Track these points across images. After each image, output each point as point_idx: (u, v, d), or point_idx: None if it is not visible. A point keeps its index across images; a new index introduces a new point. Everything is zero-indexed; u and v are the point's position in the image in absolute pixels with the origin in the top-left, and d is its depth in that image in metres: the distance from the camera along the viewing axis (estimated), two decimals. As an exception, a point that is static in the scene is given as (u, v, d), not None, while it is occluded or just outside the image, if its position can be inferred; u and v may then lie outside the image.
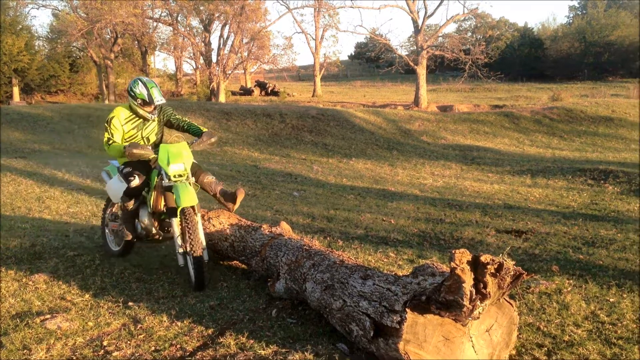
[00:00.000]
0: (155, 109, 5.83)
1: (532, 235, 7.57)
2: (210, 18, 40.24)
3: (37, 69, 43.15)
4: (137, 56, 52.07)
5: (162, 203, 5.61)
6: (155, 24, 44.53)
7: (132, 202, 5.72)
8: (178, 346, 3.98)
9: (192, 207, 5.28)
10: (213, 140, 5.80)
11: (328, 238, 7.35)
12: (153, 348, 3.95)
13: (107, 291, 5.19)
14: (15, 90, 41.97)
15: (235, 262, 6.03)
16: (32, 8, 44.65)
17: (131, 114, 5.82)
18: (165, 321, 4.42)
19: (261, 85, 50.77)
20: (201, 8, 38.86)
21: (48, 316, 4.48)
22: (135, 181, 5.59)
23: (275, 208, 9.75)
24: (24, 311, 4.64)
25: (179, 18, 43.39)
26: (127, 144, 5.55)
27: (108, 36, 44.03)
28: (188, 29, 42.53)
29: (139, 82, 5.75)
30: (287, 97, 45.35)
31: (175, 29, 42.35)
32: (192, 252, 5.06)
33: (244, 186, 11.68)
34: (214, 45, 40.70)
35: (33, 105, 29.02)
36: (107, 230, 6.51)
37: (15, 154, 15.19)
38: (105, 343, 4.03)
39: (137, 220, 5.86)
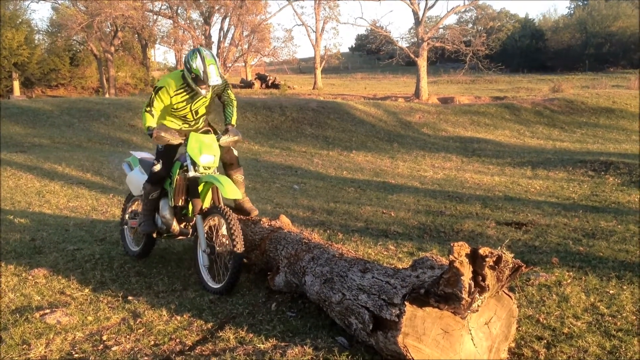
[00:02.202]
0: (209, 86, 5.30)
1: (532, 227, 7.57)
2: (210, 11, 40.18)
3: (37, 63, 43.08)
4: (138, 49, 51.95)
5: (183, 197, 5.44)
6: (155, 17, 44.47)
7: (154, 190, 5.55)
8: (177, 340, 3.98)
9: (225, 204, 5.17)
10: (236, 138, 5.44)
11: (328, 231, 7.34)
12: (152, 342, 3.95)
13: (107, 285, 5.19)
14: (16, 84, 41.92)
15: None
16: (32, 2, 44.80)
17: (183, 84, 5.35)
18: (164, 315, 4.43)
19: (261, 78, 50.64)
20: (201, 1, 38.79)
21: (47, 311, 4.48)
22: (158, 166, 5.44)
23: (276, 201, 9.74)
24: (24, 306, 4.64)
25: (179, 11, 43.32)
26: (153, 126, 5.26)
27: (108, 29, 43.93)
28: (188, 21, 42.50)
29: (198, 55, 5.19)
30: (288, 90, 45.25)
31: (175, 22, 42.28)
32: (235, 250, 4.76)
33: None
34: (214, 38, 40.76)
35: (33, 99, 28.99)
36: (126, 230, 6.33)
37: (15, 148, 15.18)
38: (104, 337, 4.03)
39: (157, 214, 5.70)
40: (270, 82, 48.84)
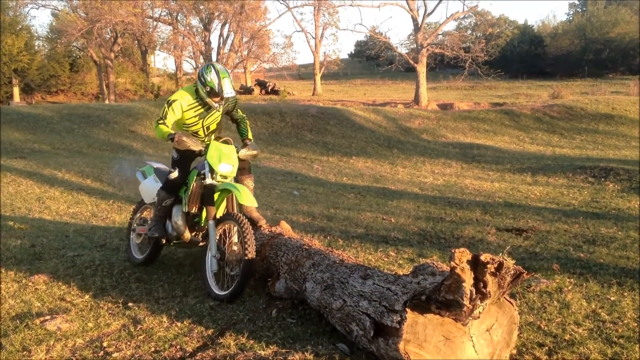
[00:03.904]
0: (222, 99, 5.41)
1: (533, 233, 7.56)
2: (210, 17, 40.27)
3: (37, 69, 43.13)
4: (137, 55, 52.02)
5: (197, 204, 5.44)
6: (155, 23, 44.55)
7: (168, 197, 5.56)
8: (178, 347, 3.97)
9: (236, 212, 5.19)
10: (255, 152, 5.59)
11: (328, 237, 7.34)
12: (153, 349, 3.94)
13: (107, 292, 5.18)
14: (16, 91, 41.96)
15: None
16: (32, 8, 44.76)
17: (196, 100, 5.44)
18: (165, 322, 4.42)
19: (261, 84, 50.66)
20: (201, 7, 38.89)
21: (48, 317, 4.47)
22: (175, 174, 5.45)
23: (276, 207, 9.74)
24: (24, 312, 4.63)
25: (178, 17, 43.40)
26: (173, 132, 5.30)
27: (108, 36, 44.01)
28: (188, 28, 42.59)
29: (212, 69, 5.35)
30: (287, 96, 45.27)
31: (175, 28, 42.37)
32: (247, 256, 4.77)
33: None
34: (214, 44, 40.77)
35: (33, 105, 29.03)
36: (132, 237, 6.28)
37: (15, 154, 15.18)
38: (105, 344, 4.02)
39: (168, 221, 5.69)
40: (269, 88, 48.86)
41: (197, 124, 5.55)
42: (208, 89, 5.31)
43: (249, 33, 40.14)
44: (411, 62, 39.32)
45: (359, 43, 75.54)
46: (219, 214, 5.35)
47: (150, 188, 5.95)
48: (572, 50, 58.62)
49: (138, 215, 6.35)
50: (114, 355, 3.85)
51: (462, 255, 3.19)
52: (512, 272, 3.24)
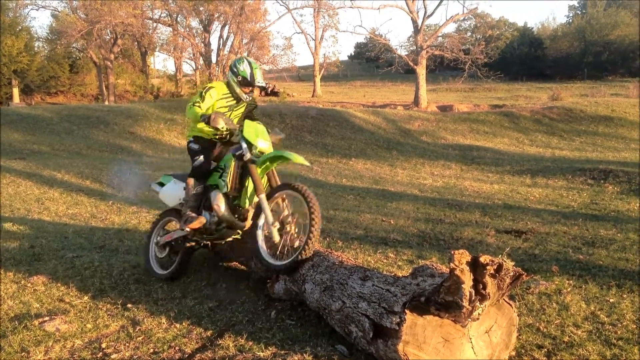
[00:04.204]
0: (252, 91, 5.63)
1: (532, 235, 7.56)
2: (209, 18, 40.27)
3: (37, 70, 43.12)
4: (137, 57, 52.02)
5: (237, 185, 5.32)
6: (154, 24, 44.54)
7: (198, 184, 5.51)
8: (177, 348, 3.97)
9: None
10: (281, 136, 5.68)
11: (327, 238, 7.33)
12: (152, 350, 3.94)
13: (106, 293, 5.17)
14: (15, 92, 41.93)
15: (234, 263, 6.01)
16: (32, 9, 44.71)
17: (228, 92, 5.60)
18: (164, 323, 4.41)
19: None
20: (201, 9, 38.88)
21: (46, 318, 4.47)
22: (201, 158, 5.47)
23: (275, 209, 9.71)
24: (23, 313, 4.63)
25: (178, 19, 43.41)
26: (210, 112, 5.33)
27: (108, 37, 43.99)
28: (188, 29, 42.57)
29: (244, 60, 5.63)
30: (287, 98, 45.29)
31: (174, 29, 42.36)
32: (314, 220, 4.70)
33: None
34: (214, 45, 40.78)
35: (33, 107, 29.02)
36: (153, 251, 5.94)
37: (15, 155, 15.18)
38: (103, 345, 4.02)
39: (204, 211, 5.51)
40: (269, 89, 48.75)
41: (227, 115, 5.58)
42: (240, 79, 5.51)
43: (248, 34, 40.14)
44: (411, 64, 39.33)
45: (358, 45, 75.58)
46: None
47: (173, 190, 5.87)
48: (572, 53, 58.63)
49: (159, 227, 6.10)
50: (113, 356, 3.85)
51: (462, 257, 3.19)
52: (512, 273, 3.24)
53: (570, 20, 70.04)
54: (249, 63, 5.59)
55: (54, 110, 21.88)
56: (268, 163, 5.12)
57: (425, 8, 39.66)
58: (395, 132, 21.73)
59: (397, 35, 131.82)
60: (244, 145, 5.19)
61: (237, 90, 5.55)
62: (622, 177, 11.85)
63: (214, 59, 41.43)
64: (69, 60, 47.74)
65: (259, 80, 5.58)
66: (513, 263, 3.25)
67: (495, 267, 3.17)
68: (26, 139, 17.57)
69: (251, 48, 41.35)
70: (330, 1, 46.27)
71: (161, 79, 56.27)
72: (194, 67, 51.08)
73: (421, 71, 38.13)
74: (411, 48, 47.64)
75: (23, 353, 3.88)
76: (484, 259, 3.17)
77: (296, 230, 5.00)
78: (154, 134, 18.96)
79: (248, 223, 5.29)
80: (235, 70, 5.54)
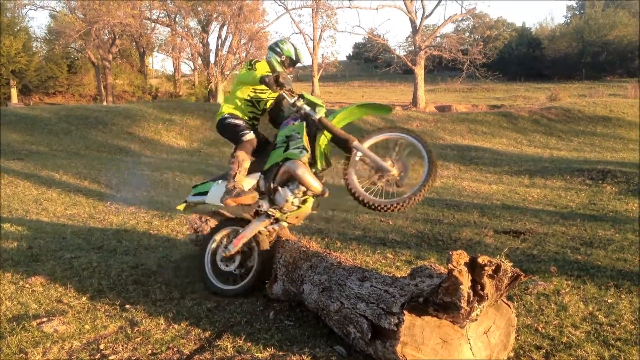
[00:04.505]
0: (292, 72, 5.60)
1: (530, 235, 7.56)
2: (208, 19, 40.26)
3: (35, 70, 43.09)
4: (135, 57, 52.05)
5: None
6: (153, 24, 44.55)
7: (248, 158, 5.25)
8: (175, 349, 3.96)
9: None
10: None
11: (326, 239, 7.34)
12: (150, 351, 3.94)
13: (104, 294, 5.17)
14: (13, 92, 41.89)
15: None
16: (30, 9, 44.62)
17: (269, 71, 5.34)
18: (162, 324, 4.41)
19: (259, 86, 50.67)
20: (199, 9, 38.88)
21: (45, 319, 4.46)
22: (250, 134, 5.29)
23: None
24: (21, 314, 4.62)
25: (176, 19, 43.40)
26: (268, 74, 5.10)
27: (106, 37, 43.97)
28: (186, 29, 42.56)
29: (287, 41, 5.63)
30: (286, 98, 45.27)
31: (173, 29, 42.35)
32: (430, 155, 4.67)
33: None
34: (212, 45, 40.72)
35: (31, 107, 28.99)
36: (209, 265, 5.49)
37: (13, 155, 15.16)
38: (102, 346, 4.01)
39: (279, 190, 5.16)
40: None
41: (265, 93, 5.49)
42: (284, 58, 5.44)
43: (247, 35, 40.13)
44: (409, 64, 39.36)
45: (357, 45, 75.62)
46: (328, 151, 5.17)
47: (218, 190, 5.49)
48: (570, 53, 58.67)
49: (219, 238, 5.61)
50: (111, 357, 3.84)
51: (460, 258, 3.19)
52: (510, 274, 3.24)
53: (569, 21, 70.10)
54: (292, 44, 5.56)
55: (52, 111, 21.86)
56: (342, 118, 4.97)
57: (423, 8, 39.65)
58: (394, 133, 21.72)
59: (396, 36, 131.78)
60: (307, 109, 5.01)
61: (279, 68, 5.26)
62: (621, 177, 11.86)
63: (212, 59, 41.41)
64: (67, 60, 47.72)
65: (304, 59, 5.49)
66: (511, 264, 3.25)
67: (493, 267, 3.17)
68: (24, 139, 17.55)
69: (249, 48, 41.34)
70: (329, 1, 46.19)
71: (159, 79, 56.30)
72: (192, 67, 51.20)
73: (419, 71, 38.17)
74: (409, 48, 47.70)
75: (21, 354, 3.87)
76: (482, 259, 3.17)
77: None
78: (152, 134, 18.96)
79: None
80: (278, 50, 5.46)
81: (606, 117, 22.67)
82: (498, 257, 3.24)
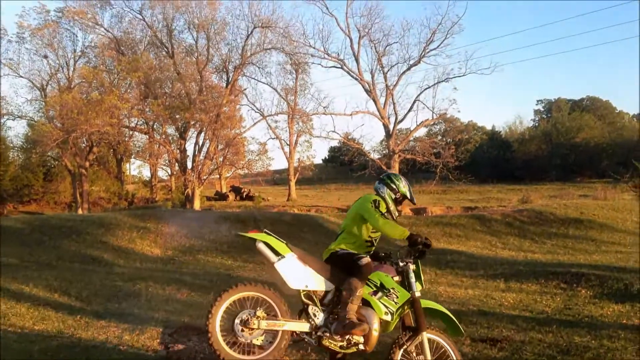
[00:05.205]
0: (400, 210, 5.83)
1: (507, 343, 7.52)
2: (185, 126, 40.90)
3: (11, 180, 43.04)
4: (112, 164, 52.37)
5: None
6: (131, 132, 45.10)
7: (362, 286, 5.40)
8: None
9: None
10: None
11: (301, 351, 7.21)
12: None
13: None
14: (-14, 201, 41.70)
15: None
16: (8, 119, 44.84)
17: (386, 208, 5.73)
18: None
19: (236, 190, 51.12)
20: (177, 116, 39.55)
21: None
22: (366, 258, 5.44)
23: (248, 320, 9.56)
24: None
25: (154, 126, 44.04)
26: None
27: (83, 145, 44.34)
28: (164, 136, 43.12)
29: (401, 178, 5.85)
30: (262, 202, 45.55)
31: (151, 137, 42.88)
32: None
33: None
34: (189, 151, 41.14)
35: (4, 217, 28.73)
36: (218, 331, 5.28)
37: (-17, 267, 14.86)
38: None
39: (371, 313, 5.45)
40: (244, 194, 49.28)
41: (378, 231, 5.70)
42: (399, 196, 5.75)
43: (224, 140, 40.73)
44: (384, 167, 40.14)
45: (332, 148, 76.96)
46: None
47: (299, 270, 5.57)
48: (540, 155, 60.48)
49: (237, 299, 5.47)
50: None
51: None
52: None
53: (537, 124, 72.67)
54: (407, 182, 5.82)
55: (25, 221, 21.67)
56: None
57: (396, 114, 40.92)
58: (370, 237, 21.79)
59: (370, 140, 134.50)
60: (414, 279, 5.48)
61: (392, 208, 5.67)
62: (594, 280, 11.93)
63: (189, 164, 41.78)
64: (43, 168, 47.84)
65: (414, 199, 5.87)
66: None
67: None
68: (-5, 250, 17.26)
69: (227, 154, 41.86)
70: (304, 108, 47.46)
71: (136, 184, 56.48)
72: (170, 173, 51.44)
73: (394, 175, 38.76)
74: (384, 152, 48.74)
75: None
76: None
77: None
78: (126, 243, 18.77)
79: None
80: (394, 187, 5.73)
81: (578, 219, 23.01)
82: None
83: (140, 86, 38.99)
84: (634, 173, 33.41)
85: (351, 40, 40.73)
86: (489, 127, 70.12)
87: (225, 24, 40.22)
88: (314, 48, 41.03)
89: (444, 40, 39.92)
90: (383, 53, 40.38)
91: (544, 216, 23.73)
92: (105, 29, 39.78)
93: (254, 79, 46.15)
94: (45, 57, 41.80)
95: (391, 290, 5.41)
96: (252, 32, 39.40)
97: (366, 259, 5.43)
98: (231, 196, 49.52)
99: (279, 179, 66.59)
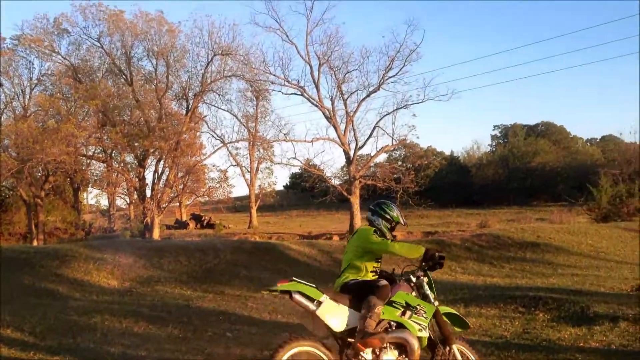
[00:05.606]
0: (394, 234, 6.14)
1: (467, 370, 7.52)
2: (144, 154, 40.51)
3: (-37, 211, 41.94)
4: (69, 193, 51.37)
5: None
6: (88, 160, 44.45)
7: (382, 305, 5.58)
8: None
9: None
10: None
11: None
12: None
13: None
14: (-63, 233, 40.45)
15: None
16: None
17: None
18: None
19: (196, 218, 50.73)
20: (136, 144, 39.18)
21: None
22: (384, 281, 5.65)
23: (207, 351, 9.46)
24: None
25: (113, 154, 43.49)
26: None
27: (39, 174, 43.46)
28: (122, 164, 42.61)
29: (392, 206, 6.15)
30: (223, 230, 45.22)
31: (109, 165, 42.34)
32: None
33: (175, 328, 11.33)
34: (149, 179, 40.72)
35: (-45, 248, 27.82)
36: None
37: None
38: None
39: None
40: (205, 222, 48.92)
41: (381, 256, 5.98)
42: (393, 224, 6.10)
43: (184, 168, 40.45)
44: (345, 193, 40.30)
45: (293, 175, 77.07)
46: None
47: (343, 313, 5.60)
48: (497, 180, 61.53)
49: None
50: None
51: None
52: None
53: (494, 149, 73.98)
54: (397, 207, 6.16)
55: (-23, 253, 21.04)
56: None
57: (356, 140, 41.17)
58: (331, 264, 21.73)
59: (331, 166, 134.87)
60: (429, 291, 5.99)
61: (388, 235, 6.03)
62: (552, 304, 12.08)
63: (148, 193, 41.29)
64: (-3, 199, 46.71)
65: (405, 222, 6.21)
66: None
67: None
68: (-55, 285, 16.69)
69: (187, 181, 41.54)
70: (265, 135, 47.47)
71: (94, 214, 55.53)
72: (128, 202, 50.75)
73: (355, 200, 39.04)
74: (345, 178, 48.95)
75: None
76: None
77: None
78: (82, 275, 18.33)
79: None
80: (388, 217, 6.02)
81: (534, 243, 23.39)
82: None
83: (98, 114, 38.60)
84: (589, 197, 34.24)
85: (311, 67, 41.00)
86: (447, 153, 71.17)
87: (185, 51, 40.21)
88: (274, 75, 41.11)
89: (402, 67, 40.41)
90: (343, 80, 40.71)
91: (502, 240, 24.08)
92: (62, 56, 39.38)
93: (214, 106, 46.21)
94: (0, 85, 41.06)
95: (417, 307, 5.78)
96: (212, 59, 39.43)
97: (384, 281, 5.72)
98: (192, 224, 49.10)
99: (240, 206, 66.29)
